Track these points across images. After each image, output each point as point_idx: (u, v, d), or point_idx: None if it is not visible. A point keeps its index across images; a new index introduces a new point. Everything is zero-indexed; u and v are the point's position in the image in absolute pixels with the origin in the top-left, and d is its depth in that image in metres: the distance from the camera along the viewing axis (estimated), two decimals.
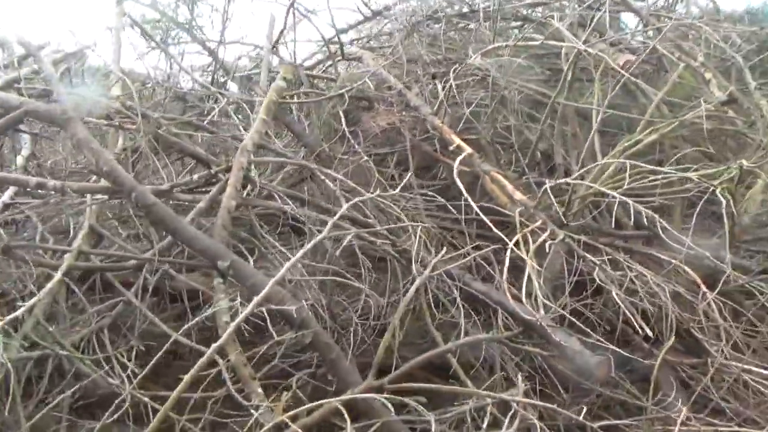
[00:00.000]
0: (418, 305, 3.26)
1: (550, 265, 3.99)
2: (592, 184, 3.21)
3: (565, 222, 3.70)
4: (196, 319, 2.53)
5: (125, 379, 2.56)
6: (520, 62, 4.12)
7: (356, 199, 2.94)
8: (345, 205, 2.82)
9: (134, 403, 2.57)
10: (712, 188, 3.22)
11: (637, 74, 5.17)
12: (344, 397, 2.28)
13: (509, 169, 4.53)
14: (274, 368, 2.85)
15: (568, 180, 3.30)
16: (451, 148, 4.15)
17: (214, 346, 2.21)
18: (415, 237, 3.00)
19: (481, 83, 4.57)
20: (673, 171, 3.14)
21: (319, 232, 3.17)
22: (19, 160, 3.52)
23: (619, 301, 3.04)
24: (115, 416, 2.44)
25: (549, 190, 3.79)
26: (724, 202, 3.10)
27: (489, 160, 4.38)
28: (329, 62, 5.05)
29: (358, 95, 4.27)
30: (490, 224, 3.22)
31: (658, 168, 3.19)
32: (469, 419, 2.50)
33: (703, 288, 3.39)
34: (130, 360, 2.63)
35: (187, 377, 2.17)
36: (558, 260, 3.77)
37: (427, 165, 4.81)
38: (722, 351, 3.34)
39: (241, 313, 2.50)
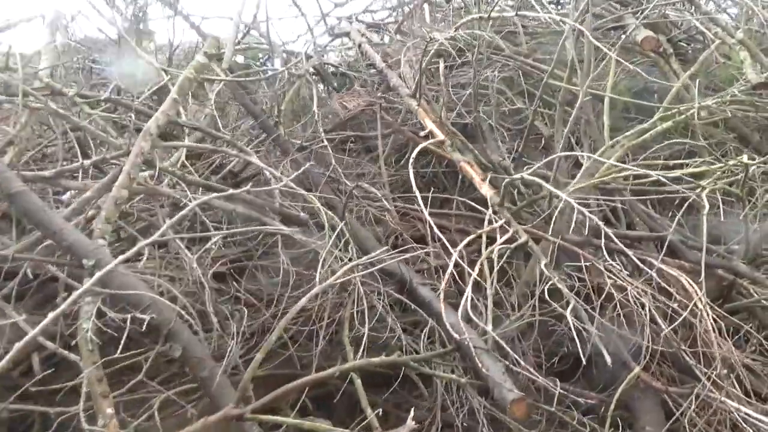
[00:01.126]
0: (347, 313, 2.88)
1: (530, 270, 3.54)
2: (540, 181, 2.70)
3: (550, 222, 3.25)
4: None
5: None
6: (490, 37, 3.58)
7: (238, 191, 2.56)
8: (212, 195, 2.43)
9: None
10: (699, 189, 2.67)
11: (671, 53, 4.66)
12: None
13: (504, 159, 4.06)
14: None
15: (524, 175, 2.79)
16: (422, 133, 3.72)
17: (24, 341, 1.88)
18: (332, 236, 2.59)
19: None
20: (635, 168, 2.59)
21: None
22: None
23: (570, 319, 2.53)
24: None
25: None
26: (706, 206, 2.55)
27: (483, 148, 3.91)
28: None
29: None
30: (431, 222, 2.79)
31: (625, 166, 2.66)
32: None
33: (700, 302, 2.86)
34: None
35: None
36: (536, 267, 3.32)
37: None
38: (710, 379, 2.79)
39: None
